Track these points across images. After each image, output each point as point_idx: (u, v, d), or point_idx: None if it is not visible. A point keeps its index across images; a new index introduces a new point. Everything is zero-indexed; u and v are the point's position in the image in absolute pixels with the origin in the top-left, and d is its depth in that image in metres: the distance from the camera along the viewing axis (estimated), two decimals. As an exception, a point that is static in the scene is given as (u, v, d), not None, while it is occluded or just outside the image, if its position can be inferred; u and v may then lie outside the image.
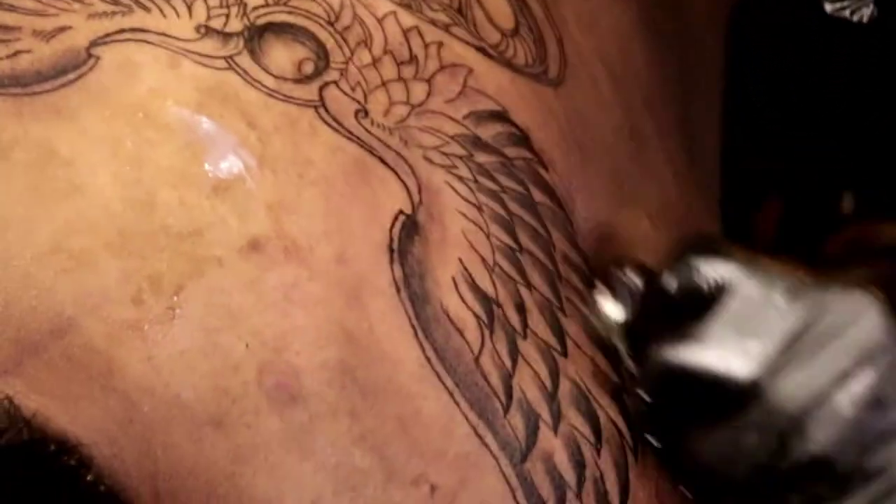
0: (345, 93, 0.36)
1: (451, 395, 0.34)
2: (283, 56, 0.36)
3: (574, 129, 0.40)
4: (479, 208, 0.36)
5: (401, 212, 0.35)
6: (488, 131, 0.37)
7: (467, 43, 0.39)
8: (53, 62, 0.34)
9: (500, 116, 0.38)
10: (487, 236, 0.36)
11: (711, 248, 0.37)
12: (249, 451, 0.32)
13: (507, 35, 0.40)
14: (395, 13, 0.38)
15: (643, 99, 0.45)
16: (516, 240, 0.36)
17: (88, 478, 0.31)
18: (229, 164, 0.34)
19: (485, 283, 0.35)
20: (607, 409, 0.36)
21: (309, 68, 0.36)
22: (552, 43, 0.41)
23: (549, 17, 0.42)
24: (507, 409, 0.34)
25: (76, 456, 0.31)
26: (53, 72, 0.34)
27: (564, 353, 0.36)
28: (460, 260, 0.35)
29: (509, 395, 0.35)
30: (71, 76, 0.34)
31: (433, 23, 0.39)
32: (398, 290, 0.34)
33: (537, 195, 0.37)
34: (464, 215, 0.36)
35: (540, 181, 0.38)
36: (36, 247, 0.32)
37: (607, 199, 0.40)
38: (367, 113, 0.36)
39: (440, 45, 0.38)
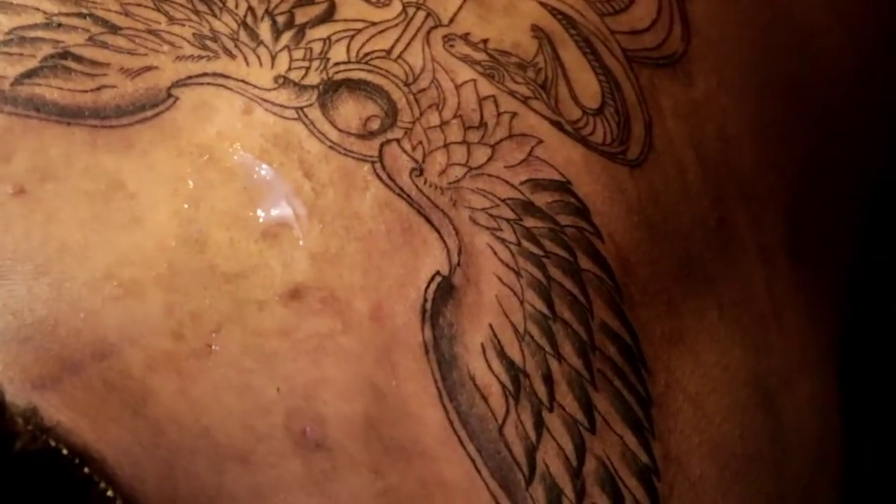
0: (404, 151, 0.36)
1: (474, 462, 0.33)
2: (351, 111, 0.37)
3: (645, 209, 0.39)
4: (518, 273, 0.36)
5: (437, 273, 0.35)
6: (544, 198, 0.37)
7: (543, 116, 0.39)
8: (134, 99, 0.36)
9: (561, 186, 0.37)
10: (521, 302, 0.35)
11: None
12: (270, 489, 0.33)
13: (588, 113, 0.40)
14: (474, 81, 0.38)
15: (740, 190, 0.43)
16: (551, 307, 0.35)
17: (102, 485, 0.32)
18: (280, 212, 0.35)
19: (513, 351, 0.35)
20: (634, 492, 0.35)
21: (374, 125, 0.37)
22: (638, 126, 0.41)
23: (641, 102, 0.41)
24: (529, 482, 0.34)
25: (95, 467, 0.32)
26: (132, 108, 0.36)
27: (592, 430, 0.35)
28: (490, 326, 0.35)
29: (532, 468, 0.34)
30: (148, 113, 0.36)
31: (512, 94, 0.39)
32: (427, 352, 0.34)
33: (584, 262, 0.37)
34: (500, 280, 0.35)
35: (590, 250, 0.37)
36: (90, 273, 0.34)
37: (672, 282, 0.39)
38: (421, 172, 0.36)
39: (514, 115, 0.38)
